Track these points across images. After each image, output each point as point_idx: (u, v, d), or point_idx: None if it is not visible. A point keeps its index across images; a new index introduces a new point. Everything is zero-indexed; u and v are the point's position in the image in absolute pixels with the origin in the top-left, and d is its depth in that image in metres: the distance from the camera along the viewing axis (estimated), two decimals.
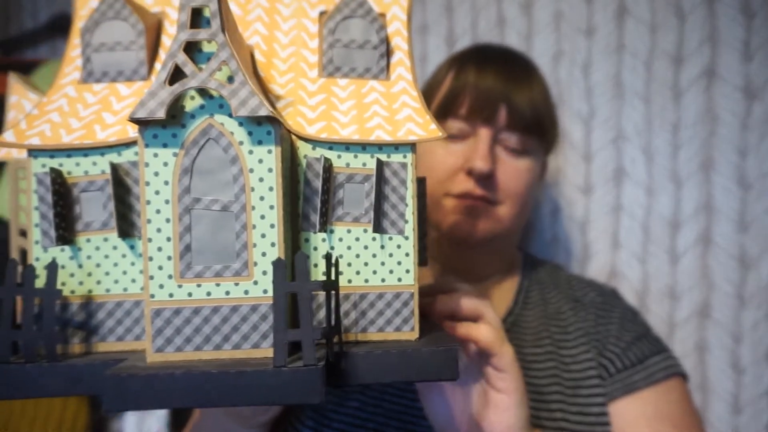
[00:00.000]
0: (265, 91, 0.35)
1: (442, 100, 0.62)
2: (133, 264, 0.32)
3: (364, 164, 0.33)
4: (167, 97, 0.28)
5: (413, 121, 0.34)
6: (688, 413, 0.57)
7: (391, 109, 0.34)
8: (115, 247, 0.32)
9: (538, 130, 0.61)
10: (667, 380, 0.57)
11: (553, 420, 0.54)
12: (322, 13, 0.38)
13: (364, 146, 0.33)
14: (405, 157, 0.33)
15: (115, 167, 0.31)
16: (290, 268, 0.31)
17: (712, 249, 0.81)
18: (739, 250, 0.80)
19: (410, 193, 0.34)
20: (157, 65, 0.34)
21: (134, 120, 0.28)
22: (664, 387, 0.57)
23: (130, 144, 0.32)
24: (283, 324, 0.28)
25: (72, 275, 0.32)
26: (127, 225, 0.32)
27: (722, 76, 0.81)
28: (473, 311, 0.43)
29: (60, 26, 1.13)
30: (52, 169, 0.31)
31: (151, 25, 0.34)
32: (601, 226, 0.85)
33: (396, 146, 0.33)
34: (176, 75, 0.28)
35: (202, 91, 0.29)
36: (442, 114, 0.62)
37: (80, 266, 0.32)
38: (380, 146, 0.33)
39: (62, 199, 0.31)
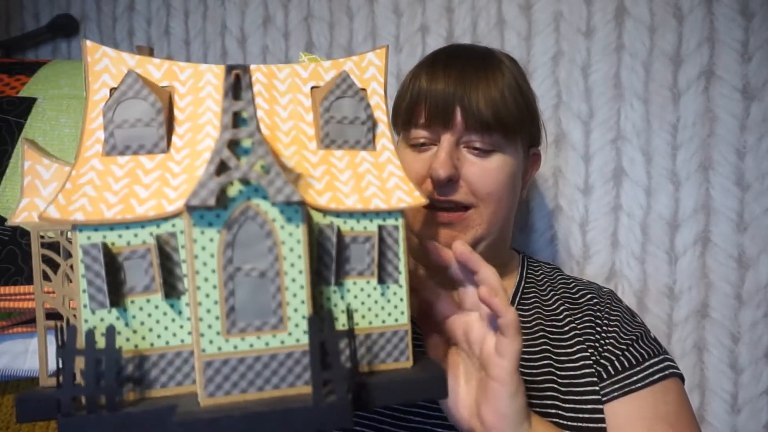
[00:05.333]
0: (283, 166, 0.39)
1: (404, 112, 0.61)
2: (173, 320, 0.36)
3: (365, 227, 0.39)
4: (216, 188, 0.32)
5: (401, 189, 0.40)
6: (685, 414, 0.57)
7: (382, 178, 0.41)
8: (156, 307, 0.36)
9: (500, 127, 0.59)
10: (664, 381, 0.57)
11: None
12: (313, 88, 0.42)
13: (364, 213, 0.39)
14: (397, 220, 0.40)
15: (158, 239, 0.35)
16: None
17: (710, 249, 0.81)
18: (737, 250, 0.80)
19: (402, 249, 0.40)
20: (175, 139, 0.38)
21: (190, 207, 0.32)
22: (661, 388, 0.57)
23: (168, 217, 0.36)
24: (319, 367, 0.33)
25: (119, 333, 0.35)
26: (169, 287, 0.36)
27: (721, 76, 0.81)
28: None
29: (61, 27, 1.13)
30: (103, 244, 0.35)
31: (165, 102, 0.38)
32: (600, 226, 0.85)
33: (389, 212, 0.39)
34: (221, 167, 0.33)
35: (242, 179, 0.34)
36: (406, 124, 0.61)
37: (126, 325, 0.35)
38: (377, 212, 0.39)
39: (109, 267, 0.35)
